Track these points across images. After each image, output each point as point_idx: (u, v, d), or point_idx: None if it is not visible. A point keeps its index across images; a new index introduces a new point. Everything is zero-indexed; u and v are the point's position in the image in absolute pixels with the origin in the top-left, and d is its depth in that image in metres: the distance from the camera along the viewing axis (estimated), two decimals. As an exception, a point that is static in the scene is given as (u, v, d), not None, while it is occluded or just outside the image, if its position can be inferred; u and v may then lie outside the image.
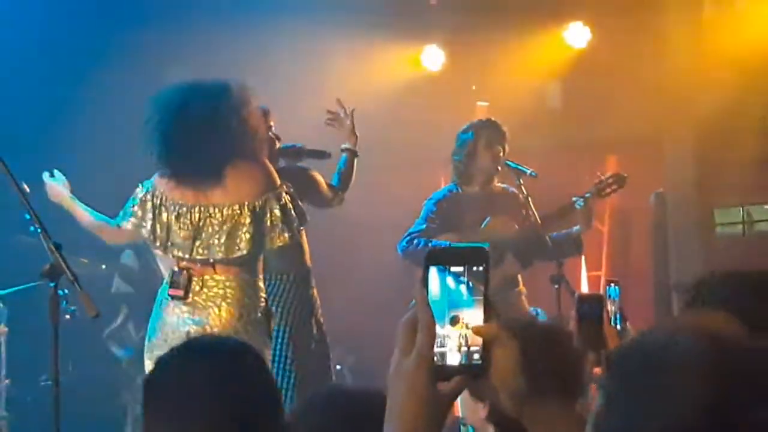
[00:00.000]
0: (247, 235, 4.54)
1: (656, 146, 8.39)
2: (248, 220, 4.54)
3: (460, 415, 6.21)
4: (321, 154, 5.90)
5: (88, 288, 4.07)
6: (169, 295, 4.64)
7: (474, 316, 1.47)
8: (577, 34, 8.42)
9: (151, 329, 4.71)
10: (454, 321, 1.46)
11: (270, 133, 5.37)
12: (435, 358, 1.45)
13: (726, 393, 1.30)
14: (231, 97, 4.57)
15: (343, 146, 5.93)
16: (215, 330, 4.52)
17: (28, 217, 4.26)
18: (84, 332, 6.50)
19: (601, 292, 2.99)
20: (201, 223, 4.55)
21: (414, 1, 8.54)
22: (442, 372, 1.46)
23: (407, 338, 1.47)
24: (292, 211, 4.65)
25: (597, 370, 2.72)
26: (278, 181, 4.69)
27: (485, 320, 1.46)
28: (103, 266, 7.37)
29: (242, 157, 4.60)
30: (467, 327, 1.46)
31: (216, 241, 4.55)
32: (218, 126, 4.51)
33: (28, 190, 4.44)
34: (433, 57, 8.74)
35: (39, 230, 4.17)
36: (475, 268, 1.48)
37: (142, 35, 7.72)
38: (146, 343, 4.76)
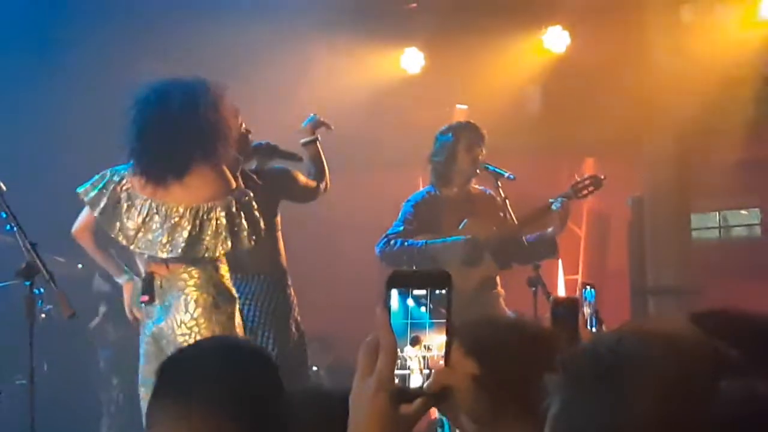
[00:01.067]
0: (182, 237, 4.56)
1: (634, 150, 8.43)
2: (187, 224, 4.57)
3: (436, 416, 6.23)
4: (293, 157, 5.90)
5: (64, 287, 4.06)
6: (140, 302, 4.71)
7: (435, 338, 1.47)
8: (556, 38, 8.43)
9: (140, 341, 4.79)
10: (414, 342, 1.46)
11: (242, 130, 5.36)
12: (396, 381, 1.45)
13: (674, 391, 1.31)
14: (206, 96, 4.61)
15: (303, 141, 5.92)
16: (182, 327, 4.53)
17: (3, 215, 4.24)
18: (60, 331, 6.47)
19: (578, 295, 2.99)
20: (147, 218, 4.61)
21: (394, 3, 8.54)
22: (404, 394, 1.46)
23: (368, 360, 1.47)
24: (242, 221, 4.65)
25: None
26: (231, 189, 4.69)
27: (447, 343, 1.46)
28: (80, 265, 7.34)
29: (204, 159, 4.62)
30: (428, 349, 1.46)
31: (158, 239, 4.59)
32: (189, 125, 4.56)
33: (4, 188, 4.42)
34: (412, 59, 8.74)
35: (15, 229, 4.15)
36: (437, 292, 1.48)
37: (122, 29, 7.71)
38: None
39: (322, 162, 5.91)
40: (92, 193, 4.71)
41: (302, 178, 5.84)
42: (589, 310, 2.89)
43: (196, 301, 4.57)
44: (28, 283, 4.00)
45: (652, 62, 8.13)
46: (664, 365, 1.33)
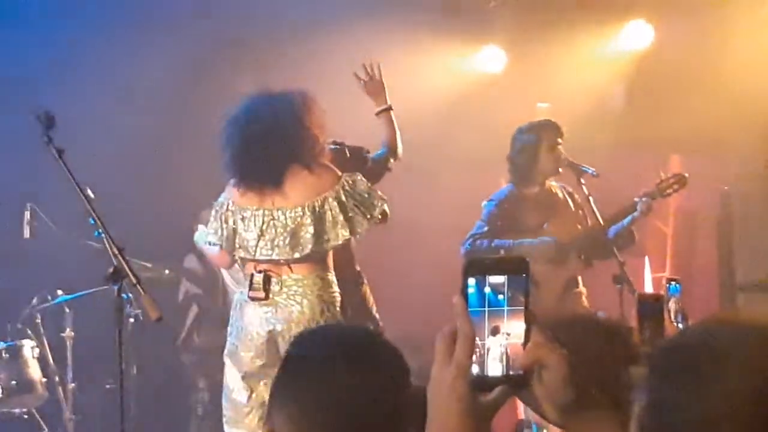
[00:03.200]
0: (308, 235, 4.75)
1: (721, 145, 8.28)
2: (309, 221, 4.75)
3: (522, 417, 6.19)
4: (361, 151, 5.91)
5: (151, 292, 4.10)
6: (249, 298, 4.83)
7: (514, 326, 1.45)
8: (639, 33, 8.33)
9: (233, 334, 4.92)
10: (494, 331, 1.45)
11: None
12: (475, 369, 1.44)
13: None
14: (294, 107, 4.81)
15: (377, 110, 5.86)
16: (300, 326, 4.66)
17: (92, 221, 4.31)
18: (148, 336, 6.56)
19: (662, 290, 2.95)
20: (265, 226, 4.78)
21: (474, 1, 8.51)
22: (483, 383, 1.44)
23: (446, 349, 1.45)
24: (353, 205, 4.82)
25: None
26: (337, 180, 4.85)
27: (526, 331, 1.45)
28: (166, 271, 7.43)
29: (302, 162, 4.81)
30: (507, 336, 1.44)
31: (281, 242, 4.76)
32: (282, 136, 4.76)
33: (92, 195, 4.49)
34: (492, 57, 8.70)
35: (102, 234, 4.21)
36: (515, 278, 1.45)
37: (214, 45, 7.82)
38: (228, 346, 4.96)
39: (395, 131, 5.86)
40: (213, 236, 4.91)
41: (375, 162, 5.80)
42: (674, 306, 2.84)
43: (321, 307, 4.78)
44: (116, 287, 4.05)
45: (737, 55, 7.98)
46: (758, 356, 1.31)
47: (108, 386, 7.07)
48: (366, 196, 4.87)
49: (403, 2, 7.80)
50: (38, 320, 7.02)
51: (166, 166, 7.31)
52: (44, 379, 6.75)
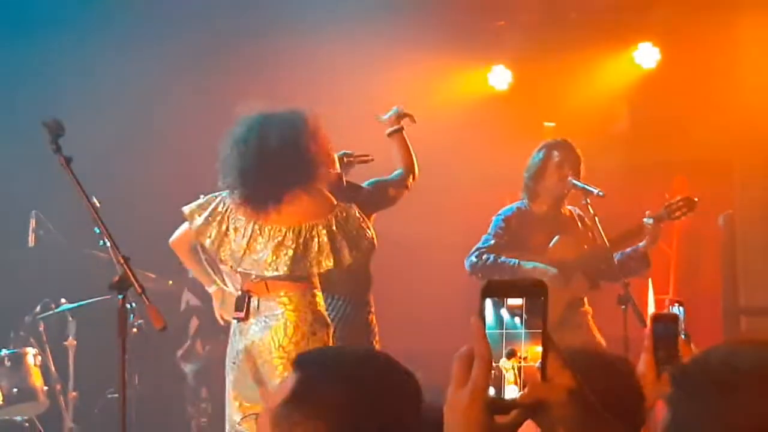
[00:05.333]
0: (287, 256, 4.75)
1: (725, 167, 8.29)
2: (291, 242, 4.75)
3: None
4: (366, 158, 5.95)
5: (154, 302, 4.11)
6: (233, 318, 4.89)
7: (530, 348, 1.45)
8: (646, 54, 8.35)
9: (229, 354, 4.94)
10: (510, 354, 1.45)
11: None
12: (492, 392, 1.44)
13: None
14: (304, 129, 4.80)
15: (388, 131, 5.89)
16: (278, 344, 4.70)
17: (97, 231, 4.32)
18: (150, 346, 6.57)
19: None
20: (251, 240, 4.79)
21: (482, 20, 8.53)
22: (499, 405, 1.44)
23: (463, 371, 1.45)
24: (342, 238, 4.81)
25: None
26: (331, 207, 4.85)
27: (543, 354, 1.44)
28: (170, 282, 7.44)
29: (303, 183, 4.81)
30: (523, 359, 1.44)
31: (262, 258, 4.77)
32: (287, 156, 4.75)
33: (98, 204, 4.50)
34: (500, 77, 8.72)
35: (108, 243, 4.22)
36: (533, 301, 1.46)
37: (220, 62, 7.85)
38: (226, 365, 4.97)
39: (410, 151, 5.88)
40: (199, 220, 4.88)
41: (391, 184, 5.83)
42: (679, 327, 2.85)
43: (295, 326, 4.74)
44: (120, 296, 4.05)
45: (743, 78, 8.00)
46: None
47: (109, 395, 7.07)
48: (355, 232, 4.87)
49: (411, 22, 7.83)
50: (41, 328, 7.03)
51: (172, 176, 7.31)
52: (46, 388, 6.75)
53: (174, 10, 7.78)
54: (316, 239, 4.77)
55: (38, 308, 7.04)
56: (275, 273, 4.75)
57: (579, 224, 6.34)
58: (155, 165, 7.70)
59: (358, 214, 4.92)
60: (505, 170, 6.83)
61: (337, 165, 5.61)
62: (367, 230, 4.93)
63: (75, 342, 6.99)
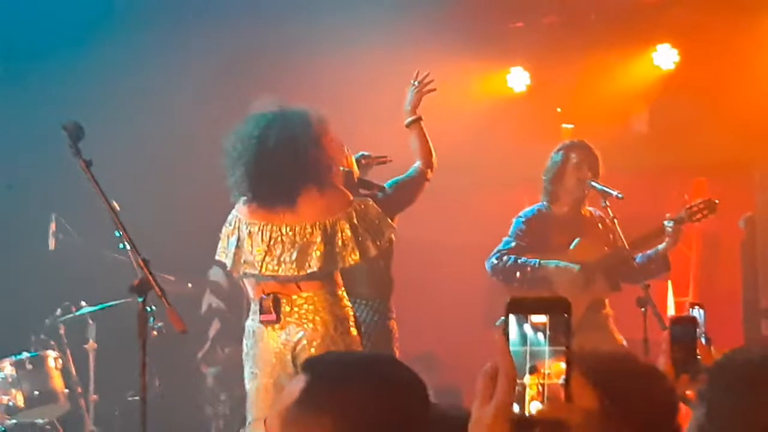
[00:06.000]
0: (318, 253, 4.70)
1: (745, 169, 8.26)
2: (318, 239, 4.70)
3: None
4: (384, 159, 5.94)
5: (174, 305, 4.12)
6: (261, 322, 4.78)
7: (554, 365, 1.45)
8: (664, 56, 8.33)
9: (250, 363, 4.84)
10: (533, 370, 1.45)
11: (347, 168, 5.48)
12: (516, 408, 1.44)
13: None
14: (310, 127, 4.73)
15: (407, 121, 5.86)
16: (314, 345, 4.66)
17: (118, 234, 4.33)
18: (170, 349, 6.58)
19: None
20: (272, 242, 4.73)
21: (499, 22, 8.53)
22: (523, 422, 1.44)
23: (487, 387, 1.46)
24: (364, 230, 4.77)
25: (690, 393, 2.68)
26: (350, 201, 4.81)
27: (567, 371, 1.45)
28: (190, 284, 7.46)
29: (316, 181, 4.75)
30: (547, 377, 1.45)
31: (287, 259, 4.71)
32: (296, 155, 4.69)
33: (118, 207, 4.51)
34: (518, 78, 8.72)
35: (128, 247, 4.23)
36: (557, 318, 1.46)
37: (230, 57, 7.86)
38: (247, 375, 4.88)
39: (428, 142, 5.85)
40: (227, 257, 4.86)
41: (410, 180, 5.79)
42: (698, 331, 2.84)
43: (332, 325, 4.71)
44: (140, 299, 4.06)
45: (762, 80, 7.96)
46: None
47: (130, 398, 7.09)
48: (376, 222, 4.82)
49: (429, 24, 7.83)
50: (62, 331, 7.06)
51: (191, 178, 7.34)
52: (66, 390, 6.78)
53: (198, 18, 7.82)
54: (339, 234, 4.72)
55: (59, 311, 7.07)
56: (304, 272, 4.69)
57: (599, 226, 6.33)
58: (175, 168, 7.72)
59: (375, 205, 4.89)
60: (524, 172, 6.81)
61: (355, 166, 5.61)
62: (388, 221, 4.89)
63: (95, 345, 7.01)
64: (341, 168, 5.12)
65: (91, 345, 7.02)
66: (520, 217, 6.35)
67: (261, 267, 4.75)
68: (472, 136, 8.07)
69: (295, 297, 4.74)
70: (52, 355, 6.81)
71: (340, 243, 4.72)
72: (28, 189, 7.53)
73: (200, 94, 7.80)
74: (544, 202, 6.36)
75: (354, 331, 4.81)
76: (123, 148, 7.30)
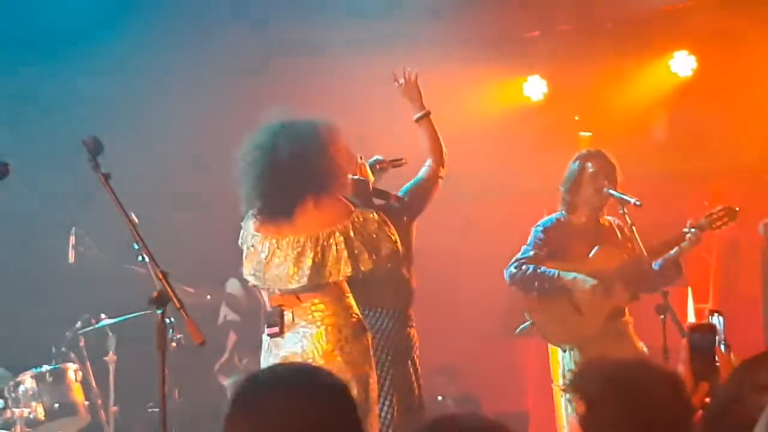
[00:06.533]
0: (307, 265, 4.70)
1: (764, 174, 8.22)
2: (310, 252, 4.70)
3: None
4: (399, 162, 5.89)
5: (193, 316, 4.12)
6: (267, 335, 4.84)
7: None
8: (682, 63, 8.31)
9: None
10: None
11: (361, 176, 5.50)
12: None
13: None
14: (320, 138, 4.74)
15: (416, 116, 5.83)
16: (320, 351, 4.66)
17: (136, 246, 4.34)
18: (190, 360, 6.60)
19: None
20: (269, 255, 4.77)
21: (516, 31, 8.53)
22: None
23: None
24: (360, 243, 4.73)
25: (708, 400, 2.67)
26: (348, 213, 4.78)
27: None
28: (208, 296, 7.48)
29: (318, 193, 4.75)
30: None
31: (282, 272, 4.74)
32: (305, 167, 4.70)
33: (136, 220, 4.53)
34: (535, 87, 8.71)
35: (147, 259, 4.24)
36: None
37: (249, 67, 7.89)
38: None
39: (438, 138, 5.81)
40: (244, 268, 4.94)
41: (423, 182, 5.75)
42: (717, 338, 2.83)
43: (338, 330, 4.71)
44: (159, 311, 4.07)
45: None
46: None
47: (150, 410, 7.11)
48: (374, 236, 4.78)
49: (446, 34, 7.84)
50: (81, 344, 7.08)
51: (209, 190, 7.36)
52: (87, 402, 6.81)
53: (215, 29, 7.84)
54: (333, 246, 4.71)
55: (78, 324, 7.09)
56: (297, 285, 4.72)
57: (618, 234, 6.31)
58: (193, 180, 7.74)
59: (377, 218, 4.83)
60: (542, 180, 6.80)
61: (370, 174, 5.59)
62: (391, 234, 4.83)
63: (115, 357, 7.03)
64: (352, 177, 5.11)
65: (111, 357, 7.03)
66: (539, 226, 6.34)
67: (264, 280, 4.81)
68: (490, 144, 8.07)
69: (299, 307, 4.76)
70: (72, 367, 6.83)
71: (333, 255, 4.71)
72: (47, 202, 7.56)
73: (216, 101, 7.81)
74: (563, 212, 6.35)
75: (364, 336, 4.79)
76: (141, 160, 7.32)
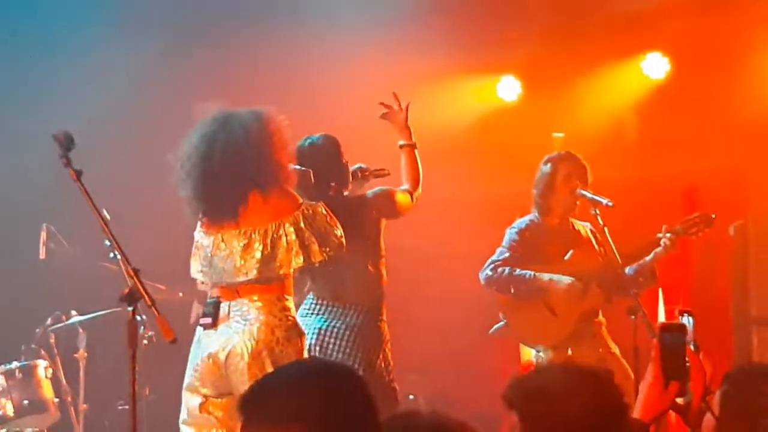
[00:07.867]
0: (254, 259, 4.65)
1: (736, 177, 8.27)
2: (257, 245, 4.66)
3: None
4: (382, 172, 5.87)
5: (164, 314, 4.11)
6: (200, 325, 4.79)
7: None
8: (655, 65, 8.35)
9: (190, 366, 4.86)
10: None
11: (343, 161, 5.51)
12: None
13: None
14: (255, 132, 4.67)
15: (400, 143, 5.82)
16: (247, 350, 4.60)
17: (108, 243, 4.32)
18: (161, 357, 6.57)
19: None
20: (215, 249, 4.73)
21: (491, 31, 8.54)
22: None
23: None
24: (311, 234, 4.71)
25: (679, 400, 2.69)
26: (297, 205, 4.73)
27: None
28: (180, 294, 7.45)
29: (262, 187, 4.69)
30: None
31: (228, 266, 4.69)
32: (241, 165, 4.63)
33: (108, 217, 4.51)
34: (509, 87, 8.73)
35: (118, 256, 4.22)
36: None
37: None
38: (186, 379, 4.91)
39: (418, 166, 5.79)
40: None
41: (399, 196, 5.70)
42: (687, 337, 2.84)
43: (270, 330, 4.63)
44: (130, 308, 4.05)
45: (753, 88, 7.99)
46: None
47: (120, 407, 7.08)
48: (323, 229, 4.75)
49: (419, 32, 7.83)
50: (52, 340, 7.05)
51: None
52: (56, 400, 6.78)
53: (192, 25, 7.83)
54: (283, 238, 4.66)
55: (49, 320, 7.06)
56: (246, 278, 4.66)
57: (593, 239, 6.33)
58: (165, 177, 7.70)
59: (324, 212, 4.79)
60: (514, 181, 6.81)
61: (344, 179, 5.55)
62: (336, 228, 4.79)
63: (86, 354, 7.00)
64: (294, 167, 5.00)
65: (81, 354, 7.00)
66: (513, 228, 6.35)
67: (209, 275, 4.77)
68: (463, 144, 8.08)
69: (233, 303, 4.69)
70: (42, 364, 6.80)
71: (283, 246, 4.66)
72: (17, 198, 7.51)
73: (194, 99, 7.77)
74: (536, 214, 6.36)
75: (298, 340, 4.71)
76: (113, 157, 7.29)
